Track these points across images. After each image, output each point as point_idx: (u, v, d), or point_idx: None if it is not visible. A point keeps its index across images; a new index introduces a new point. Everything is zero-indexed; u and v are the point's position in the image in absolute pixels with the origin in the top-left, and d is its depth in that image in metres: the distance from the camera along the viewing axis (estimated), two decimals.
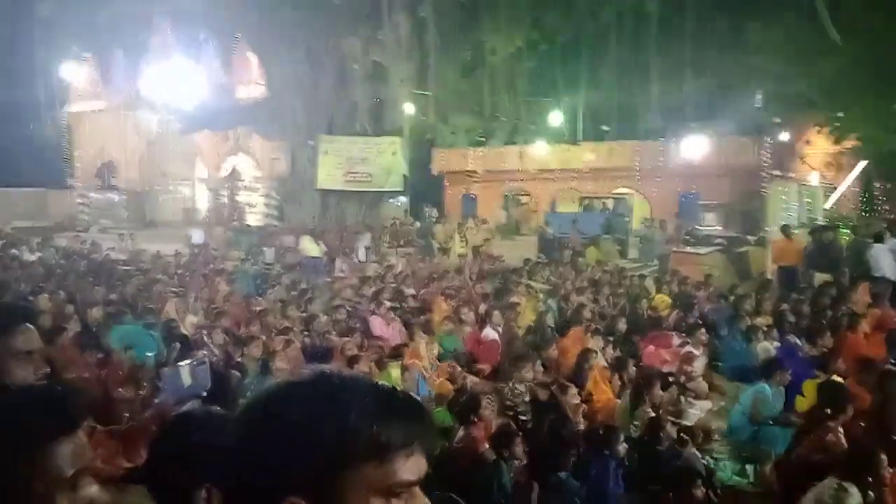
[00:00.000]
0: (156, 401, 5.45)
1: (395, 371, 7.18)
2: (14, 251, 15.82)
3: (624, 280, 13.84)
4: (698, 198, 21.49)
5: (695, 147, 20.67)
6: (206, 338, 8.02)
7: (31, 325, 2.17)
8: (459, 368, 7.51)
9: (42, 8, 24.09)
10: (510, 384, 6.80)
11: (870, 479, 4.32)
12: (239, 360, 7.38)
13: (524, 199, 26.65)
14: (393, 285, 12.49)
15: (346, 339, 8.32)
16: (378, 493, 0.91)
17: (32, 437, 1.24)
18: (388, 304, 10.49)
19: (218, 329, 8.35)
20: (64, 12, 23.47)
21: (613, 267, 15.83)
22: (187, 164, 30.77)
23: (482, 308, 10.27)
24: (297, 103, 23.94)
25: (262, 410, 0.96)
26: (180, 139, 28.58)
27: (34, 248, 16.57)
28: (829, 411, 5.32)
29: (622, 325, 9.71)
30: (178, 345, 7.68)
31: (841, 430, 5.24)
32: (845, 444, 5.00)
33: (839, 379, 6.69)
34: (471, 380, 6.92)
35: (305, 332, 8.88)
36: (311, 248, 17.02)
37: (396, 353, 7.74)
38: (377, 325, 9.66)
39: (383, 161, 24.13)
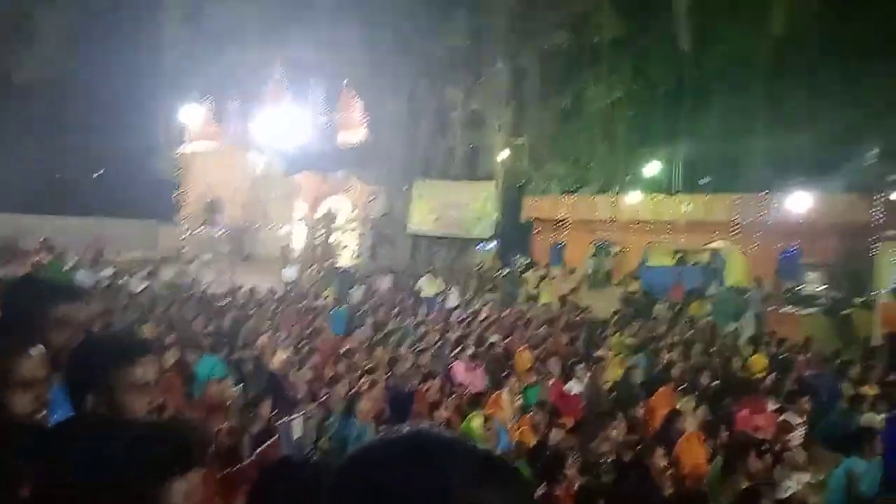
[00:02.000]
0: (262, 448, 5.59)
1: (476, 420, 7.14)
2: (122, 280, 16.77)
3: (717, 338, 13.33)
4: (800, 255, 20.54)
5: (799, 202, 19.83)
6: (293, 375, 8.24)
7: (151, 356, 2.19)
8: (543, 420, 7.38)
9: (167, 56, 26.04)
10: (595, 441, 6.64)
11: None
12: (323, 398, 7.53)
13: (614, 249, 26.24)
14: (478, 332, 12.48)
15: (429, 382, 8.36)
16: None
17: (153, 472, 1.28)
18: (472, 350, 10.50)
19: (307, 367, 8.56)
20: (185, 59, 25.29)
21: (705, 324, 15.27)
22: (287, 204, 32.04)
23: (567, 360, 10.11)
24: (396, 147, 24.64)
25: (357, 471, 0.97)
26: (283, 180, 29.84)
27: (142, 277, 17.56)
28: None
29: (713, 385, 9.32)
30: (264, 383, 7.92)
31: None
32: None
33: None
34: (555, 433, 6.78)
35: (388, 374, 8.98)
36: (429, 286, 17.74)
37: (477, 400, 7.71)
38: (460, 371, 9.67)
39: (475, 206, 24.37)
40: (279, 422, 4.92)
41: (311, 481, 1.64)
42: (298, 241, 32.30)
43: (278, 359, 9.22)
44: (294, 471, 1.82)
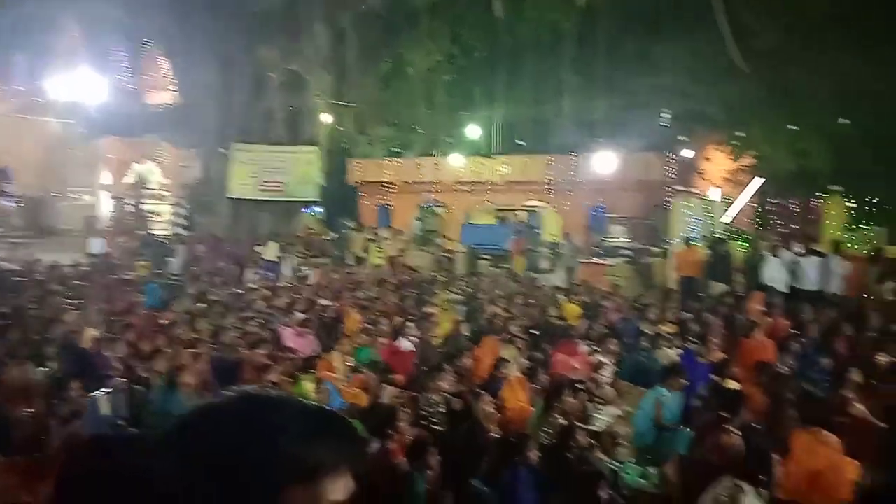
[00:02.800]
0: (68, 430, 5.16)
1: (308, 384, 7.08)
2: None
3: (536, 290, 14.15)
4: (606, 211, 22.23)
5: (604, 162, 21.36)
6: (107, 352, 7.68)
7: None
8: (376, 379, 7.46)
9: None
10: (425, 394, 6.84)
11: (763, 479, 4.58)
12: (143, 374, 7.10)
13: (439, 210, 26.87)
14: (306, 296, 12.31)
15: (257, 351, 8.14)
16: None
17: None
18: (300, 315, 10.35)
19: (121, 342, 8.01)
20: None
21: (526, 277, 16.16)
22: (90, 172, 29.46)
23: (397, 319, 10.27)
24: (209, 110, 23.31)
25: (187, 436, 0.93)
26: (83, 145, 27.32)
27: None
28: (725, 415, 5.61)
29: (533, 333, 9.92)
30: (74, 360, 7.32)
31: (737, 432, 5.52)
32: (741, 446, 5.28)
33: (735, 384, 7.06)
34: (386, 391, 6.89)
35: (214, 345, 8.64)
36: (270, 251, 17.68)
37: (309, 365, 7.63)
38: (289, 336, 9.51)
39: (298, 171, 23.78)
40: (86, 399, 4.55)
41: (122, 457, 1.52)
42: (105, 211, 29.92)
43: (89, 336, 8.52)
44: (102, 449, 1.68)
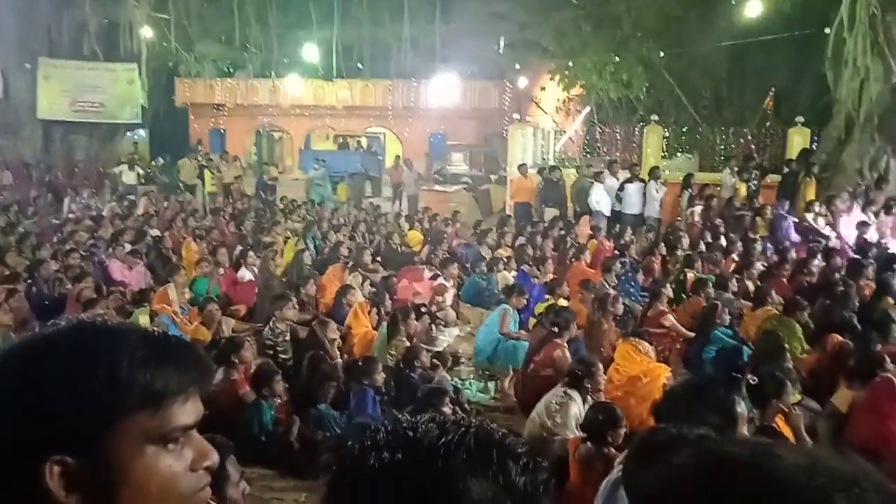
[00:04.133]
0: None
1: (143, 318, 6.74)
2: None
3: (379, 218, 14.21)
4: (446, 138, 22.51)
5: (444, 89, 21.49)
6: None
7: None
8: (215, 310, 7.24)
9: None
10: (269, 324, 6.76)
11: (588, 386, 5.03)
12: None
13: (277, 135, 25.92)
14: (135, 226, 11.57)
15: (81, 285, 7.59)
16: (154, 441, 0.87)
17: None
18: (128, 246, 9.73)
19: None
20: None
21: (368, 205, 16.16)
22: None
23: (236, 249, 9.96)
24: (8, 20, 20.57)
25: (10, 369, 0.87)
26: None
27: None
28: (555, 330, 6.05)
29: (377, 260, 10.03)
30: None
31: (566, 345, 5.99)
32: (570, 358, 5.73)
33: (564, 301, 7.59)
34: (228, 323, 6.73)
35: (30, 281, 7.95)
36: (132, 174, 17.52)
37: (143, 298, 7.26)
38: (116, 269, 8.95)
39: (117, 90, 21.74)
40: None
41: None
42: None
43: None
44: None
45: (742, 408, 2.33)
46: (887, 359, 5.04)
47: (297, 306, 7.19)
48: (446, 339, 7.73)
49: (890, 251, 9.90)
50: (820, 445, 4.64)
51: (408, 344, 6.44)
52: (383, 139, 24.02)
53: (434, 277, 9.20)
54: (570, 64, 18.73)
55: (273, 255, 9.69)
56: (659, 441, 1.59)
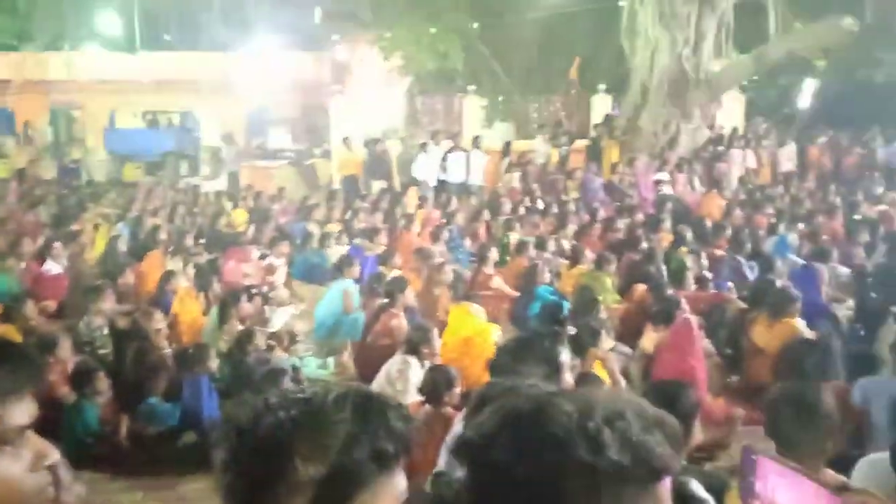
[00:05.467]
0: None
1: None
2: None
3: (199, 198, 13.57)
4: (266, 112, 21.80)
5: (259, 61, 20.75)
6: None
7: None
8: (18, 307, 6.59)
9: None
10: (84, 319, 6.29)
11: (426, 351, 5.20)
12: None
13: (76, 113, 23.70)
14: None
15: None
16: None
17: None
18: None
19: None
20: None
21: (186, 185, 15.34)
22: None
23: (39, 241, 9.10)
24: None
25: None
26: None
27: None
28: (389, 300, 6.17)
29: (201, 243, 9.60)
30: None
31: (402, 314, 6.14)
32: (406, 326, 5.88)
33: (397, 271, 7.73)
34: (37, 320, 6.17)
35: None
36: None
37: None
38: None
39: None
40: None
41: None
42: None
43: None
44: None
45: (566, 357, 2.55)
46: (683, 302, 5.68)
47: (114, 297, 6.75)
48: (281, 318, 7.61)
49: (683, 205, 11.06)
50: (632, 384, 5.15)
51: (240, 327, 6.28)
52: (198, 115, 22.75)
53: (263, 257, 8.98)
54: (388, 35, 18.74)
55: (83, 245, 8.96)
56: (494, 394, 1.72)
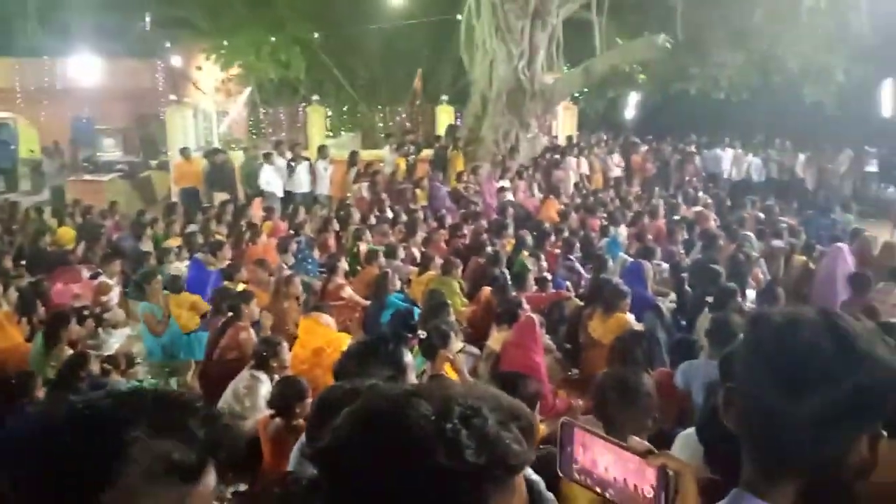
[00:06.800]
0: None
1: None
2: None
3: (17, 215, 12.45)
4: (93, 122, 20.36)
5: (84, 68, 19.38)
6: None
7: None
8: None
9: None
10: None
11: (275, 365, 5.11)
12: None
13: None
14: None
15: None
16: None
17: None
18: None
19: None
20: None
21: (3, 201, 14.02)
22: None
23: None
24: None
25: None
26: None
27: None
28: (235, 314, 5.99)
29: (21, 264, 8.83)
30: None
31: (249, 327, 5.98)
32: (255, 339, 5.73)
33: (243, 285, 7.52)
34: None
35: None
36: None
37: None
38: None
39: None
40: None
41: None
42: None
43: None
44: None
45: (409, 358, 2.61)
46: (524, 302, 5.98)
47: None
48: (116, 340, 7.17)
49: (525, 210, 11.61)
50: (482, 381, 5.34)
51: (70, 351, 5.84)
52: (14, 126, 20.82)
53: (95, 276, 8.40)
54: (226, 43, 18.15)
55: None
56: (335, 397, 1.75)
